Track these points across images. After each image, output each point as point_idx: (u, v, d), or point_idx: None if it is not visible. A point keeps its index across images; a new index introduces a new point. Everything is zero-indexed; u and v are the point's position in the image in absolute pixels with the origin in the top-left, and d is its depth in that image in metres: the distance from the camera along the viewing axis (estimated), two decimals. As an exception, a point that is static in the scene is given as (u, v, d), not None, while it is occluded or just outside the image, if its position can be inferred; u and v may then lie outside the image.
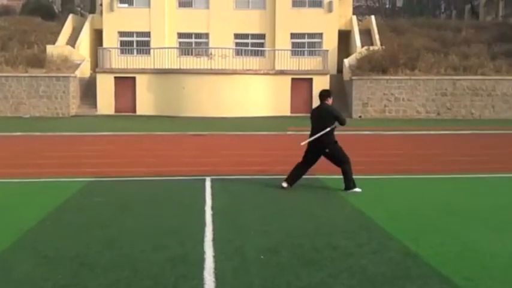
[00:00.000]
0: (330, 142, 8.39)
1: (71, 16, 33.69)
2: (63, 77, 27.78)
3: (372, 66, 27.77)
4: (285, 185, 8.53)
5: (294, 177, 8.60)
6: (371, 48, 29.80)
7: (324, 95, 8.63)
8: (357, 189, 8.33)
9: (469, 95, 27.52)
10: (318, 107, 8.67)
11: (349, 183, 8.38)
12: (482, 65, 28.15)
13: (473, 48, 29.74)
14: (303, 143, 8.63)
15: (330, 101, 8.57)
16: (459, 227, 6.31)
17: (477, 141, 17.38)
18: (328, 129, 8.27)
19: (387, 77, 27.44)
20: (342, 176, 8.45)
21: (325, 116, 8.39)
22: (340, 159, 8.43)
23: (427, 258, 5.04)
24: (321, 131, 8.31)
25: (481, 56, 28.97)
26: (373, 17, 34.25)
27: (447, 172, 10.47)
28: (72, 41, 31.33)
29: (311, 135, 8.50)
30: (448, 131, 20.37)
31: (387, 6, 60.79)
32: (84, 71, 29.98)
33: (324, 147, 8.39)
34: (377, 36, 31.26)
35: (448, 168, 10.95)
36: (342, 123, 8.43)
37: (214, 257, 5.09)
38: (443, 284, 4.42)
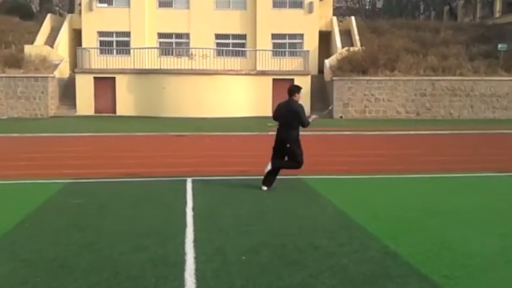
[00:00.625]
0: (293, 139, 8.37)
1: (49, 16, 33.31)
2: (42, 77, 27.43)
3: (352, 66, 27.96)
4: (264, 188, 8.53)
5: (270, 179, 8.59)
6: (351, 49, 30.00)
7: (293, 90, 8.53)
8: (264, 188, 8.41)
9: (447, 95, 27.88)
10: (286, 102, 8.53)
11: (270, 180, 8.44)
12: (461, 65, 28.54)
13: (452, 49, 30.14)
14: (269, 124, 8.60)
15: (297, 97, 8.52)
16: (439, 226, 6.37)
17: (456, 141, 17.60)
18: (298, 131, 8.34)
19: (367, 78, 27.66)
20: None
21: (292, 114, 8.33)
22: (295, 159, 8.40)
23: (407, 257, 5.08)
24: (287, 128, 8.32)
25: (460, 56, 29.38)
26: (353, 18, 34.50)
27: (427, 172, 10.58)
28: (51, 41, 30.97)
29: (279, 131, 8.45)
30: (428, 131, 20.59)
31: (367, 7, 61.28)
32: (63, 71, 29.65)
33: (286, 142, 8.36)
34: (357, 37, 31.50)
35: (429, 168, 11.06)
36: (304, 125, 8.36)
37: (195, 258, 5.07)
38: (422, 283, 4.46)
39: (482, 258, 5.10)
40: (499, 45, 29.11)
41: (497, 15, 39.06)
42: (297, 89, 8.60)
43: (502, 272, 4.73)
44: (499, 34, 32.18)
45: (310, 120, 8.43)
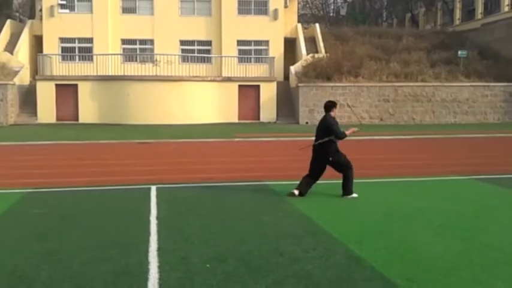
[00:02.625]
0: (332, 151, 8.49)
1: (8, 21, 32.51)
2: (1, 84, 26.77)
3: (317, 73, 28.23)
4: (296, 192, 8.47)
5: (303, 186, 8.58)
6: (316, 55, 30.30)
7: (328, 105, 8.72)
8: (354, 195, 8.46)
9: (410, 101, 28.42)
10: (322, 118, 8.73)
11: (348, 189, 8.49)
12: (422, 72, 29.16)
13: (414, 56, 30.75)
14: (300, 148, 8.73)
15: (334, 112, 8.66)
16: (403, 230, 6.45)
17: (419, 145, 17.91)
18: (323, 140, 8.44)
19: (332, 84, 27.96)
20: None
21: (324, 127, 8.50)
22: (342, 166, 8.52)
23: (371, 261, 5.12)
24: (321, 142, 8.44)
25: (421, 63, 30.01)
26: (317, 25, 34.86)
27: (391, 176, 10.73)
28: (11, 47, 30.25)
29: (314, 146, 8.59)
30: (391, 136, 20.91)
31: (331, 14, 62.05)
32: (24, 78, 28.98)
33: (327, 157, 8.48)
34: (322, 44, 31.83)
35: (392, 172, 11.22)
36: (337, 136, 8.48)
37: (159, 267, 4.98)
38: (386, 286, 4.50)
39: (444, 261, 5.17)
40: (459, 52, 29.88)
41: (457, 22, 40.14)
42: (332, 104, 8.76)
43: (463, 274, 4.81)
44: (459, 41, 33.08)
45: (347, 132, 8.59)
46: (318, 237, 6.08)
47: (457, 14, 41.02)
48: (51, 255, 5.38)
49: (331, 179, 10.37)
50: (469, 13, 39.85)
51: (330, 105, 8.72)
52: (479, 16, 37.11)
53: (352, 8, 61.22)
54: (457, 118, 28.58)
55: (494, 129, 23.50)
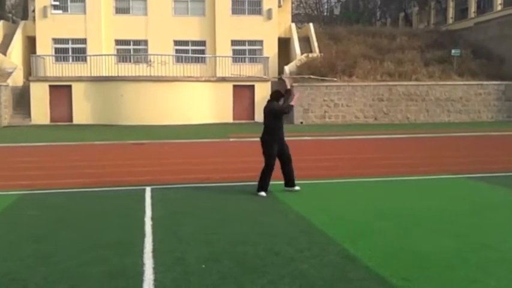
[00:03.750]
0: (269, 141, 8.73)
1: (1, 22, 32.39)
2: (-6, 85, 26.63)
3: (311, 72, 28.26)
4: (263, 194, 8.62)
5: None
6: (310, 55, 30.34)
7: (277, 96, 8.86)
8: (261, 193, 8.60)
9: (404, 100, 28.50)
10: (266, 105, 8.92)
11: (258, 186, 8.67)
12: (416, 71, 29.26)
13: (407, 55, 30.84)
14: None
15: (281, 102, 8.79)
16: (397, 229, 6.47)
17: (413, 144, 17.97)
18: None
19: (326, 84, 27.99)
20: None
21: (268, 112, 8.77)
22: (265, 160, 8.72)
23: (366, 261, 5.13)
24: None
25: (415, 62, 30.09)
26: (311, 24, 34.87)
27: (385, 175, 10.75)
28: (4, 48, 30.12)
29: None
30: (385, 135, 20.96)
31: (325, 14, 62.10)
32: (17, 79, 28.86)
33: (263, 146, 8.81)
34: (316, 44, 31.86)
35: (387, 172, 11.24)
36: (285, 111, 8.77)
37: (154, 268, 4.98)
38: (381, 286, 4.51)
39: (439, 260, 5.20)
40: (453, 51, 29.98)
41: (451, 21, 40.25)
42: (281, 95, 8.84)
43: (457, 273, 4.83)
44: (453, 40, 33.19)
45: (291, 102, 8.67)
46: (313, 237, 6.09)
47: (450, 13, 41.15)
48: (45, 257, 5.37)
49: (327, 178, 10.40)
50: (462, 12, 39.97)
51: (279, 96, 8.76)
52: (472, 15, 37.24)
53: (346, 7, 61.30)
54: (451, 117, 28.70)
55: (488, 128, 23.60)
